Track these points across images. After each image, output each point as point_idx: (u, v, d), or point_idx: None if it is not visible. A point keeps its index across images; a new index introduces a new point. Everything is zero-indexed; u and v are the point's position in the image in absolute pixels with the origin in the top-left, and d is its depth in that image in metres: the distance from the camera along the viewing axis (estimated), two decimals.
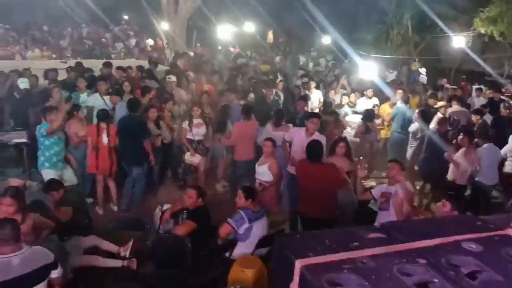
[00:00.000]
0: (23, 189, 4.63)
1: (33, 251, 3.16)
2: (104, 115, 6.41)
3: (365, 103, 8.98)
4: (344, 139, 6.30)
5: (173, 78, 8.62)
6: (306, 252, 2.22)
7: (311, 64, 15.84)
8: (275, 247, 2.42)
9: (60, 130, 6.05)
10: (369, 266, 2.16)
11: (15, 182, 4.67)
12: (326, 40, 15.57)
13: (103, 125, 6.31)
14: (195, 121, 7.21)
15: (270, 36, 21.70)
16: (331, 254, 2.24)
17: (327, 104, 9.37)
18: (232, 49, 17.71)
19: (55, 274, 3.16)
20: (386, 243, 2.41)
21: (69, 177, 6.08)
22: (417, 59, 15.14)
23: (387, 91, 9.11)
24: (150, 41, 19.36)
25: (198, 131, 7.22)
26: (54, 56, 15.20)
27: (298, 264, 2.15)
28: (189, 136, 7.23)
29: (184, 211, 4.94)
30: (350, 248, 2.33)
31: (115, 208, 6.56)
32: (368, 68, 9.41)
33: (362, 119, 8.02)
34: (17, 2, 15.86)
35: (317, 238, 2.39)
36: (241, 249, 4.69)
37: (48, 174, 5.86)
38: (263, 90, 8.92)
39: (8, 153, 6.72)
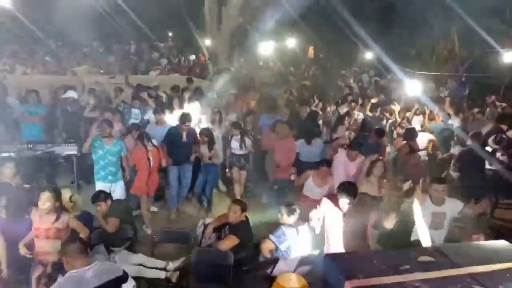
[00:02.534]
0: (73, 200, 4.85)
1: (103, 265, 3.26)
2: (146, 137, 6.45)
3: (415, 121, 8.80)
4: (381, 160, 6.11)
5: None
6: (356, 273, 2.19)
7: (351, 80, 15.68)
8: (324, 267, 2.39)
9: (108, 145, 6.15)
10: None
11: (66, 191, 4.86)
12: (368, 55, 15.39)
13: (149, 146, 6.38)
14: (235, 137, 7.30)
15: (311, 51, 21.72)
16: (381, 276, 2.19)
17: (366, 123, 9.17)
18: (271, 64, 17.86)
19: (127, 286, 3.20)
20: (438, 267, 2.32)
21: (119, 191, 6.12)
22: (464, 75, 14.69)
23: (436, 108, 8.85)
24: (192, 57, 19.85)
25: (237, 145, 7.30)
26: (101, 71, 15.88)
27: (348, 286, 2.12)
28: (233, 151, 7.32)
29: (227, 226, 4.97)
30: (400, 271, 2.27)
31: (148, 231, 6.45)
32: (414, 85, 9.14)
33: (404, 139, 7.64)
34: (68, 20, 16.71)
35: (367, 259, 2.34)
36: (283, 267, 4.64)
37: (97, 186, 6.08)
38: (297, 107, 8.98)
39: (60, 165, 7.03)
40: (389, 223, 4.60)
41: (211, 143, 6.87)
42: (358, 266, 2.28)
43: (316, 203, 5.87)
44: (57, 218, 4.20)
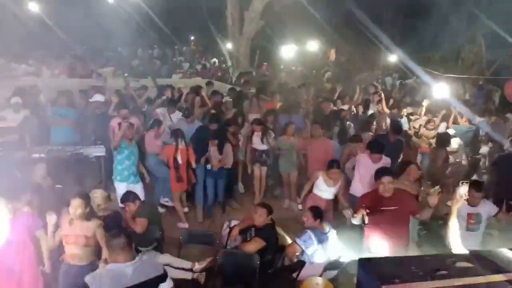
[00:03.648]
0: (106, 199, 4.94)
1: (145, 262, 3.27)
2: (180, 135, 6.59)
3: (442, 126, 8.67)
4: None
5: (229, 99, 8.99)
6: (392, 278, 2.16)
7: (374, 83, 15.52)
8: (359, 272, 2.37)
9: (130, 145, 6.35)
10: None
11: (99, 193, 4.93)
12: (392, 58, 15.22)
13: (181, 145, 6.49)
14: (257, 132, 7.41)
15: (332, 54, 21.60)
16: (418, 282, 2.17)
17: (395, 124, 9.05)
18: (293, 68, 17.84)
19: (164, 286, 3.18)
20: (477, 273, 2.28)
21: (140, 192, 6.18)
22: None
23: (465, 112, 8.70)
24: (214, 61, 20.02)
25: (258, 140, 7.40)
26: (126, 75, 16.15)
27: None
28: (255, 146, 7.44)
29: (252, 228, 4.98)
30: (437, 276, 2.24)
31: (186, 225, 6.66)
32: (441, 88, 8.97)
33: (438, 145, 7.46)
34: (94, 25, 17.06)
35: (403, 264, 2.31)
36: (309, 270, 4.63)
37: (119, 186, 6.20)
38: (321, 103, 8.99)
39: (89, 166, 7.17)
40: (434, 199, 4.54)
41: (221, 145, 6.85)
42: (394, 271, 2.26)
43: (327, 202, 5.88)
44: (87, 225, 4.12)
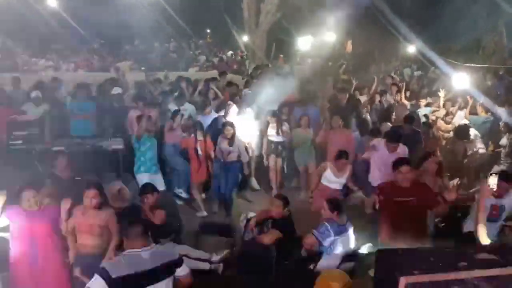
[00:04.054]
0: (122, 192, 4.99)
1: (161, 248, 3.39)
2: (198, 127, 6.69)
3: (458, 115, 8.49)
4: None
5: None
6: (411, 269, 2.13)
7: (392, 73, 15.29)
8: (376, 263, 2.35)
9: (151, 136, 6.46)
10: None
11: (117, 186, 4.99)
12: (410, 49, 14.96)
13: (198, 136, 6.59)
14: (272, 124, 7.41)
15: (349, 46, 21.34)
16: (438, 273, 2.13)
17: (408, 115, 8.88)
18: (309, 60, 17.65)
19: (181, 272, 3.30)
20: (499, 265, 2.24)
21: (159, 182, 6.31)
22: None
23: (482, 100, 8.51)
24: (230, 54, 20.00)
25: (273, 132, 7.39)
26: (142, 68, 16.28)
27: (403, 281, 2.07)
28: (270, 138, 7.42)
29: (269, 220, 4.99)
30: (458, 268, 2.20)
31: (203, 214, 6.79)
32: (462, 78, 8.77)
33: (457, 137, 7.32)
34: (110, 19, 17.20)
35: (422, 256, 2.28)
36: (326, 262, 4.62)
37: (143, 177, 6.28)
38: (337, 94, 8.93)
39: (107, 159, 7.27)
40: (452, 194, 4.49)
41: (232, 138, 6.77)
42: (413, 262, 2.23)
43: (336, 192, 5.85)
44: (100, 215, 4.23)
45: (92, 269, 3.25)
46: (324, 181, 6.05)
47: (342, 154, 5.92)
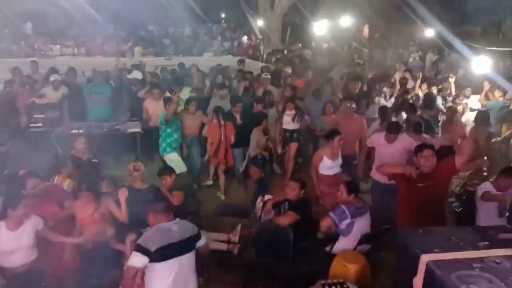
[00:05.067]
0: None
1: (183, 222, 3.59)
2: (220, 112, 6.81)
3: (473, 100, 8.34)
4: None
5: (268, 75, 8.83)
6: (432, 247, 2.15)
7: (411, 59, 15.02)
8: (397, 242, 2.37)
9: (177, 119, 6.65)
10: (505, 266, 2.02)
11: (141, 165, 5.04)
12: (429, 33, 14.63)
13: (221, 121, 6.71)
14: (288, 111, 7.32)
15: (366, 30, 21.02)
16: (459, 251, 2.14)
17: (429, 99, 8.64)
18: (325, 45, 17.45)
19: (200, 242, 3.57)
20: None
21: (181, 164, 6.45)
22: None
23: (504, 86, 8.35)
24: (245, 38, 19.85)
25: (289, 120, 7.32)
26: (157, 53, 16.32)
27: (425, 259, 2.08)
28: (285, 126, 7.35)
29: (286, 202, 5.01)
30: (479, 247, 2.20)
31: (222, 197, 6.88)
32: (481, 62, 8.55)
33: (477, 124, 6.94)
34: (125, 5, 17.20)
35: (443, 235, 2.29)
36: (343, 244, 4.65)
37: (172, 157, 6.44)
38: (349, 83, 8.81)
39: (125, 142, 7.36)
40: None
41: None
42: (434, 241, 2.24)
43: (335, 178, 5.80)
44: (98, 205, 4.54)
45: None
46: (323, 171, 5.91)
47: (333, 133, 5.80)
